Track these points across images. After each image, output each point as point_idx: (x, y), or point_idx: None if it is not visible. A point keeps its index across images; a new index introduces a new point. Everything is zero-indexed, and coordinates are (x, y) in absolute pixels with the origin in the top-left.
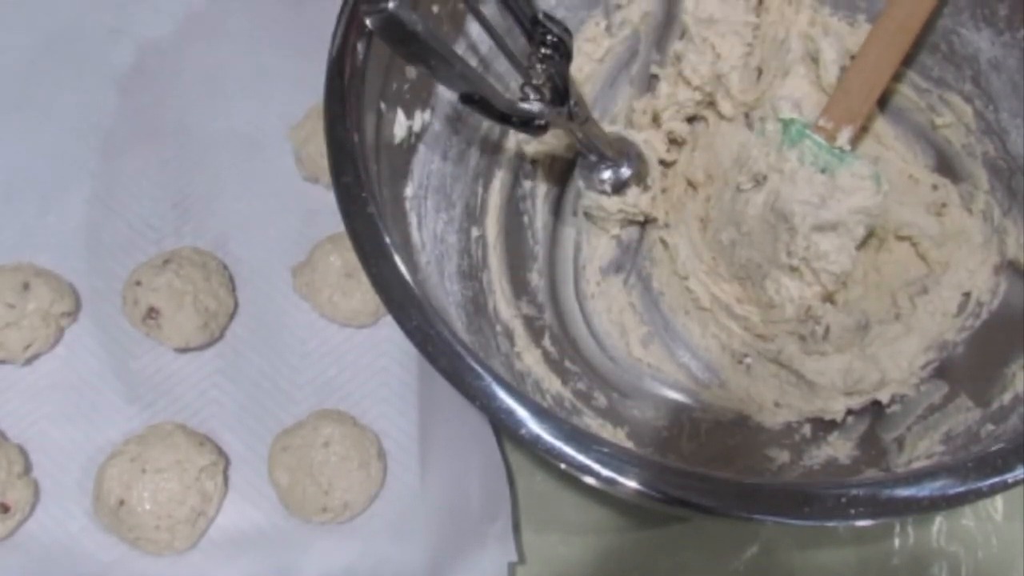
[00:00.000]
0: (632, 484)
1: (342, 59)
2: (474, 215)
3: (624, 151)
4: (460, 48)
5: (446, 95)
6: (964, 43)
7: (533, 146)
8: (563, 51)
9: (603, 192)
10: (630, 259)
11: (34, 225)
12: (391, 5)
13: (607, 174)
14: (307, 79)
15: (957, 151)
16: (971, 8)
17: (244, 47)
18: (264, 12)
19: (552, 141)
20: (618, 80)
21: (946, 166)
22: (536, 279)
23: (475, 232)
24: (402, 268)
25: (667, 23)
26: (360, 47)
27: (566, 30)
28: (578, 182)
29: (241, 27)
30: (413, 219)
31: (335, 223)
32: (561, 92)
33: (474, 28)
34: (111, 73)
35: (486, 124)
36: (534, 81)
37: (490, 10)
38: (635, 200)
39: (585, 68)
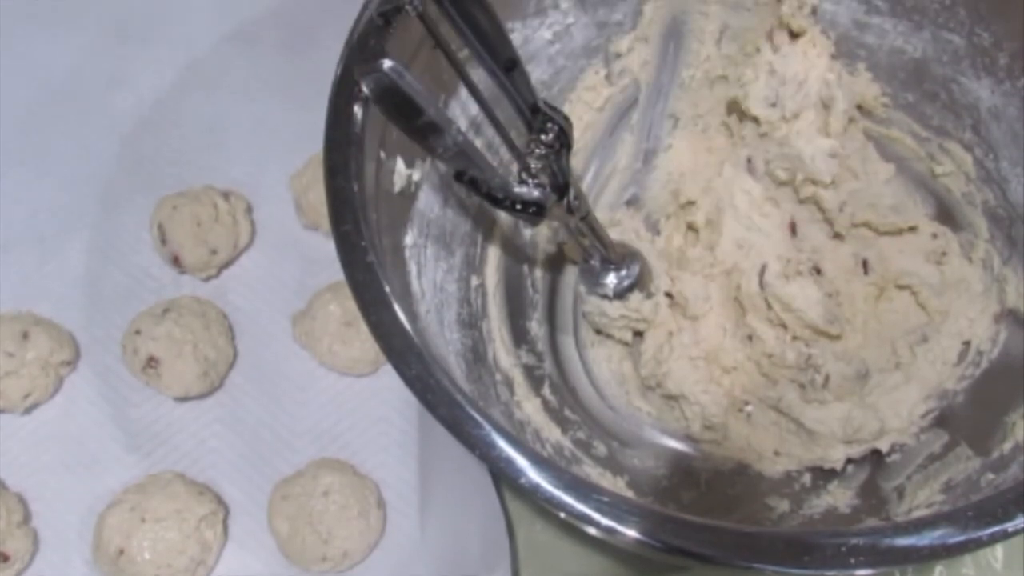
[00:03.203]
0: (632, 533)
1: (342, 108)
2: (474, 264)
3: (627, 256)
4: (451, 113)
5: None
6: (964, 92)
7: None
8: (563, 141)
9: (604, 296)
10: None
11: (34, 274)
12: (386, 65)
13: (610, 278)
14: (307, 129)
15: (957, 200)
16: (971, 57)
17: (244, 97)
18: (263, 63)
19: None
20: (618, 129)
21: (946, 215)
22: (536, 328)
23: (475, 281)
24: (402, 317)
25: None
26: (360, 97)
27: (566, 119)
28: (579, 287)
29: (241, 77)
30: (413, 268)
31: (335, 272)
32: (561, 184)
33: (464, 94)
34: (111, 123)
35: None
36: (532, 167)
37: (481, 79)
38: (638, 306)
39: (585, 117)
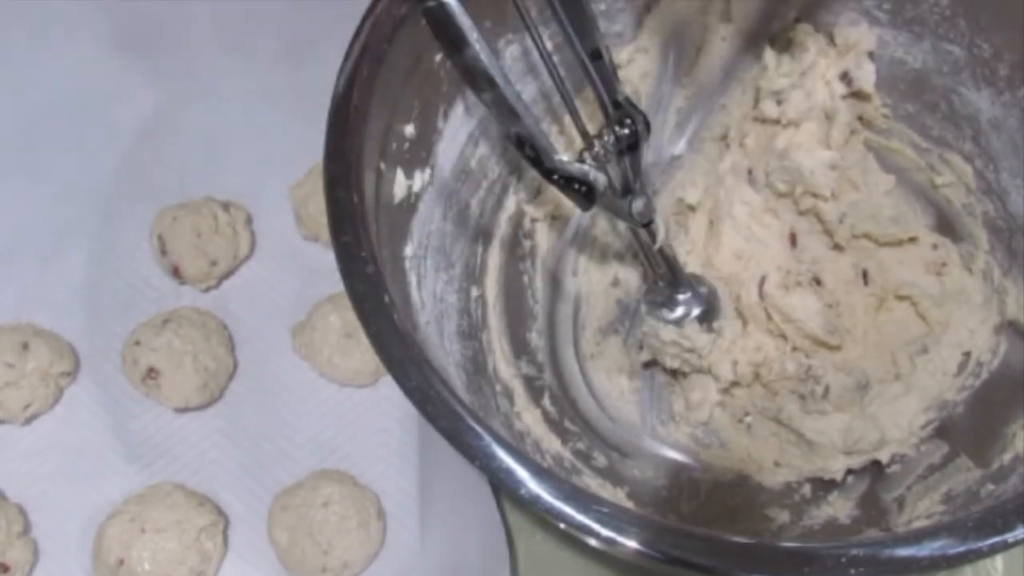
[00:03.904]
0: (632, 544)
1: (342, 119)
2: (474, 275)
3: (696, 286)
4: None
5: (446, 155)
6: (964, 103)
7: (533, 206)
8: (635, 140)
9: (661, 319)
10: (629, 319)
11: (34, 285)
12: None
13: (675, 305)
14: (307, 140)
15: (957, 211)
16: (971, 68)
17: (244, 108)
18: (263, 73)
19: (551, 200)
20: None
21: (946, 225)
22: (536, 339)
23: (475, 292)
24: (401, 328)
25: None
26: (360, 107)
27: (645, 119)
28: (641, 307)
29: (241, 88)
30: (413, 279)
31: (335, 283)
32: (627, 183)
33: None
34: (111, 134)
35: (486, 184)
36: (596, 148)
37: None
38: (693, 335)
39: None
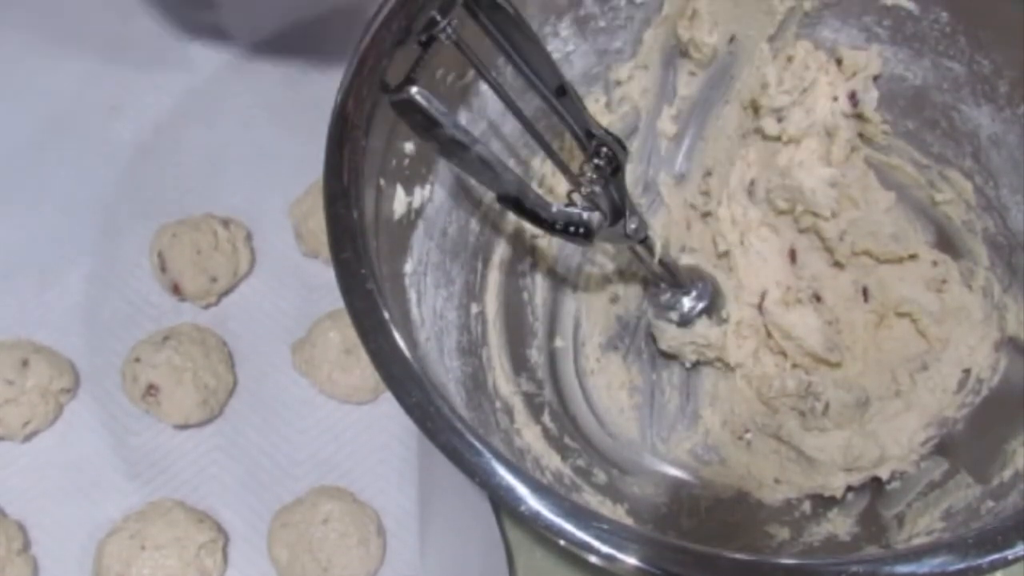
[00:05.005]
0: (632, 561)
1: (341, 136)
2: (473, 291)
3: (697, 280)
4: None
5: (446, 172)
6: (964, 119)
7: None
8: (616, 165)
9: (670, 322)
10: (629, 335)
11: (33, 302)
12: (414, 90)
13: (680, 304)
14: (306, 156)
15: (957, 227)
16: (971, 85)
17: (243, 125)
18: (263, 90)
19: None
20: None
21: (946, 242)
22: (536, 355)
23: (475, 308)
24: (401, 344)
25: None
26: (359, 124)
27: (620, 143)
28: (647, 311)
29: (240, 105)
30: (412, 295)
31: (334, 299)
32: (618, 207)
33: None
34: (110, 150)
35: (486, 200)
36: (584, 189)
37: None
38: (705, 332)
39: None
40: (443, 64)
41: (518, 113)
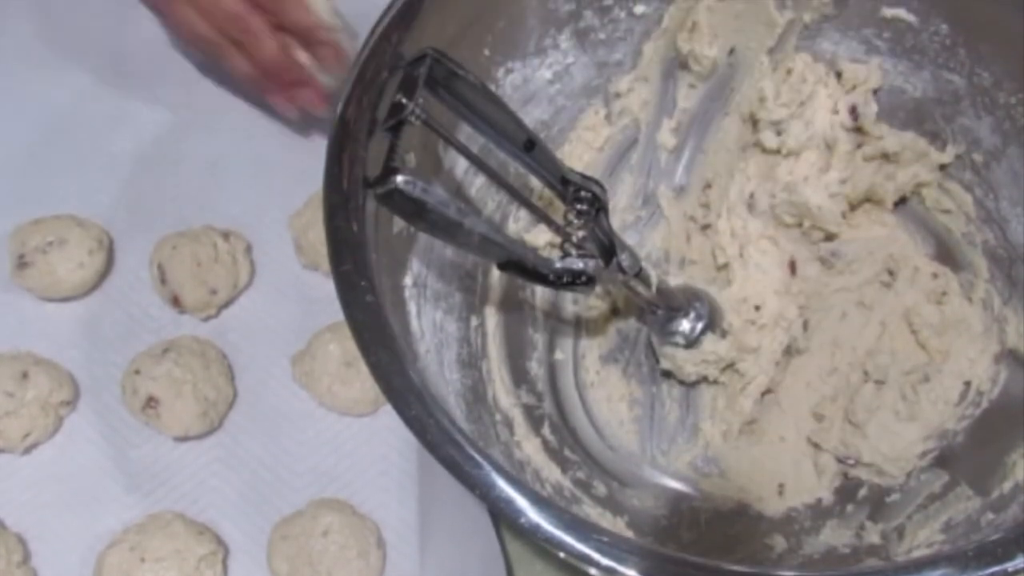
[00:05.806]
0: (631, 573)
1: (341, 148)
2: (473, 304)
3: (692, 299)
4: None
5: (446, 184)
6: (964, 132)
7: (533, 234)
8: (599, 205)
9: (677, 346)
10: (629, 348)
11: (33, 314)
12: (399, 180)
13: (682, 326)
14: (306, 168)
15: (957, 240)
16: (971, 97)
17: (243, 137)
18: (263, 102)
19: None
20: (618, 169)
21: (946, 254)
22: (536, 368)
23: (474, 321)
24: (401, 357)
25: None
26: (360, 136)
27: (599, 183)
28: (652, 340)
29: (240, 117)
30: (412, 308)
31: (334, 312)
32: (607, 246)
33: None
34: (110, 162)
35: (485, 213)
36: (574, 238)
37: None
38: (713, 348)
39: (584, 157)
40: (414, 141)
41: (496, 177)
